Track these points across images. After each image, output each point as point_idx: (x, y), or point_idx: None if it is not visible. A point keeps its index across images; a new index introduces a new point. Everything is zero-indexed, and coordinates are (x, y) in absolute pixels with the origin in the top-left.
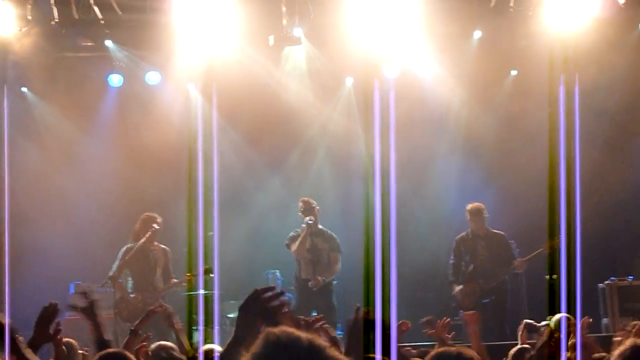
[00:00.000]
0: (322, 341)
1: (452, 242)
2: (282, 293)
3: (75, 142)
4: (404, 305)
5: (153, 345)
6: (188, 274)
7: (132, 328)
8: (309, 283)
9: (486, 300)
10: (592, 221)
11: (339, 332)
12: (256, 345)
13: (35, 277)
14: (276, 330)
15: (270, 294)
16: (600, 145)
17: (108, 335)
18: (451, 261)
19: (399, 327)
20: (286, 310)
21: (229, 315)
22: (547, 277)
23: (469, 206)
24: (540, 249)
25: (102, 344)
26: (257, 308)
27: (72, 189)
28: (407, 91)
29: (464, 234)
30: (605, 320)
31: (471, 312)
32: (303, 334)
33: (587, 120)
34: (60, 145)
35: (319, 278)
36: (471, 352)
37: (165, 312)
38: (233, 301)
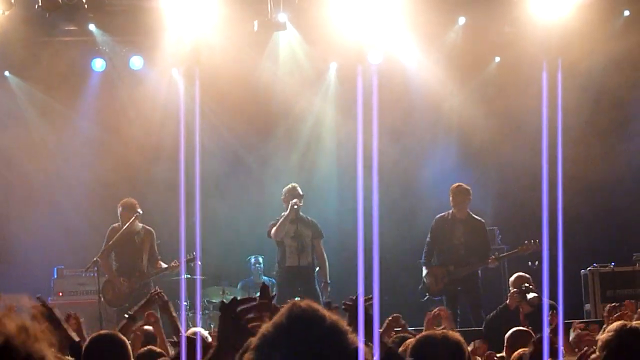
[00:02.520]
0: (344, 325)
1: (432, 220)
2: (256, 302)
3: (59, 126)
4: (385, 291)
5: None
6: (175, 261)
7: (131, 313)
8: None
9: (459, 289)
10: (575, 207)
11: None
12: (280, 315)
13: (18, 261)
14: (303, 303)
15: (244, 306)
16: (584, 132)
17: (76, 337)
18: (427, 239)
19: (392, 322)
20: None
21: (212, 300)
22: (530, 263)
23: (453, 186)
24: (516, 250)
25: (74, 346)
26: (234, 323)
27: (55, 172)
28: (390, 77)
29: (444, 213)
30: (587, 307)
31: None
32: (327, 314)
33: (571, 106)
34: (44, 129)
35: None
36: (457, 335)
37: (163, 299)
38: (216, 286)
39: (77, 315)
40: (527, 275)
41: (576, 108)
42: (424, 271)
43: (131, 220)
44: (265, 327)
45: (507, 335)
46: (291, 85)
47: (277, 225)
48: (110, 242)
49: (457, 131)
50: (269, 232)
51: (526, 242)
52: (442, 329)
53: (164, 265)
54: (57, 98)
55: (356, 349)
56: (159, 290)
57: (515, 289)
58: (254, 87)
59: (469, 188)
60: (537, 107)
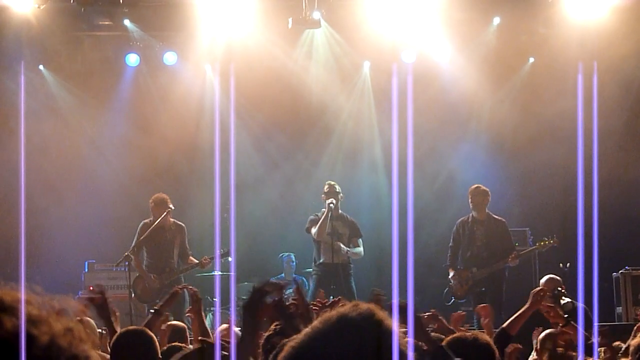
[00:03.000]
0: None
1: (454, 224)
2: (281, 285)
3: (92, 121)
4: (416, 291)
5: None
6: (206, 257)
7: (157, 308)
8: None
9: (483, 290)
10: (609, 210)
11: None
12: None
13: (50, 255)
14: (362, 307)
15: (269, 288)
16: (620, 134)
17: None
18: (450, 244)
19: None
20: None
21: (243, 297)
22: (561, 265)
23: (471, 187)
24: (535, 246)
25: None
26: (260, 305)
27: (88, 168)
28: (424, 77)
29: (465, 217)
30: (619, 310)
31: (484, 305)
32: (384, 318)
33: (607, 109)
34: (77, 124)
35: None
36: (486, 337)
37: (196, 294)
38: (247, 283)
39: (115, 310)
40: (559, 278)
41: (612, 111)
42: (450, 274)
43: (163, 216)
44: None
45: (540, 337)
46: (324, 83)
47: (318, 225)
48: (142, 238)
49: (490, 132)
50: (309, 228)
51: (545, 238)
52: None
53: (195, 261)
54: (91, 92)
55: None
56: (194, 289)
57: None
58: (287, 85)
59: (487, 189)
60: (571, 109)
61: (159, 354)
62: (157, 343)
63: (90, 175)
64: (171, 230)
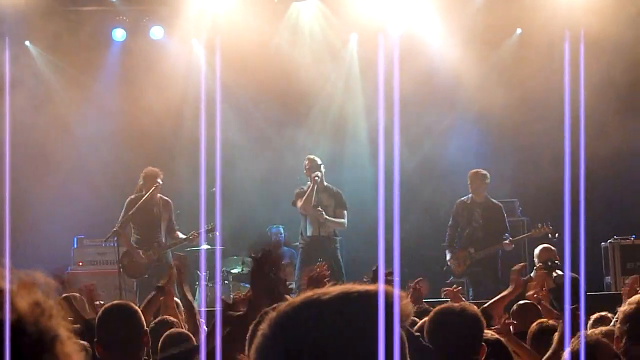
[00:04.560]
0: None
1: (453, 205)
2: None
3: (79, 96)
4: (406, 264)
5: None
6: (194, 233)
7: (160, 285)
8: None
9: (480, 269)
10: (597, 180)
11: None
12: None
13: (38, 232)
14: (322, 290)
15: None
16: (608, 102)
17: (88, 314)
18: (449, 223)
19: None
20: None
21: (232, 271)
22: (550, 235)
23: (471, 172)
24: (530, 233)
25: (87, 324)
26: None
27: (75, 143)
28: (411, 49)
29: (464, 198)
30: (607, 279)
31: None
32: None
33: (594, 77)
34: (64, 99)
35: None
36: (474, 308)
37: (184, 264)
38: (236, 257)
39: (90, 287)
40: (553, 248)
41: (601, 80)
42: (448, 254)
43: (150, 191)
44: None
45: (513, 308)
46: (311, 56)
47: (304, 198)
48: (130, 214)
49: (478, 103)
50: (295, 202)
51: (539, 225)
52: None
53: (182, 236)
54: (78, 67)
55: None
56: (182, 260)
57: (541, 264)
58: (274, 58)
59: (486, 173)
60: (559, 80)
61: (145, 328)
62: (142, 317)
63: (78, 151)
64: (158, 205)
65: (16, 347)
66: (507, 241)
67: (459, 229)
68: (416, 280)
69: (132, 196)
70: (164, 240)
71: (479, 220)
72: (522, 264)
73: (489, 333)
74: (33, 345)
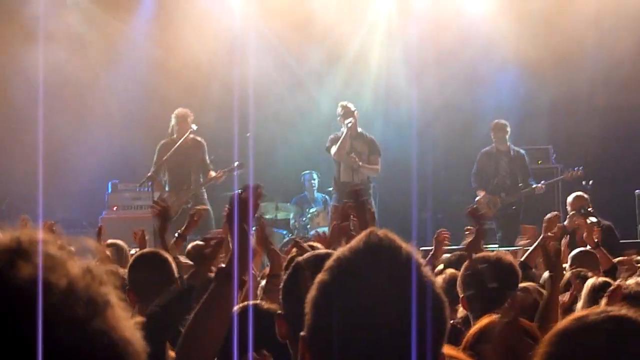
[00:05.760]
0: (419, 256)
1: (477, 154)
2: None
3: (114, 43)
4: (439, 209)
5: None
6: (220, 171)
7: (180, 232)
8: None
9: (507, 212)
10: (631, 127)
11: None
12: (357, 240)
13: (73, 176)
14: (381, 232)
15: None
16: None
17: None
18: (473, 171)
19: (438, 237)
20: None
21: (265, 216)
22: (584, 182)
23: (493, 123)
24: (562, 176)
25: None
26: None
27: (111, 88)
28: None
29: (488, 148)
30: None
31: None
32: (404, 244)
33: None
34: (99, 46)
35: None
36: (509, 257)
37: (197, 215)
38: (269, 202)
39: (142, 233)
40: (586, 196)
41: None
42: (479, 195)
43: (185, 136)
44: (342, 250)
45: (571, 255)
46: (347, 1)
47: (338, 144)
48: (164, 158)
49: (513, 49)
50: (329, 147)
51: (571, 169)
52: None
53: (213, 175)
54: (113, 14)
55: (428, 282)
56: (200, 210)
57: (574, 212)
58: (311, 2)
59: (506, 123)
60: (596, 28)
61: (175, 275)
62: (173, 264)
63: (112, 96)
64: (191, 147)
65: (67, 311)
66: (540, 184)
67: (483, 177)
68: (438, 232)
69: (164, 140)
70: (200, 181)
71: (505, 168)
72: (555, 212)
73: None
74: (84, 310)
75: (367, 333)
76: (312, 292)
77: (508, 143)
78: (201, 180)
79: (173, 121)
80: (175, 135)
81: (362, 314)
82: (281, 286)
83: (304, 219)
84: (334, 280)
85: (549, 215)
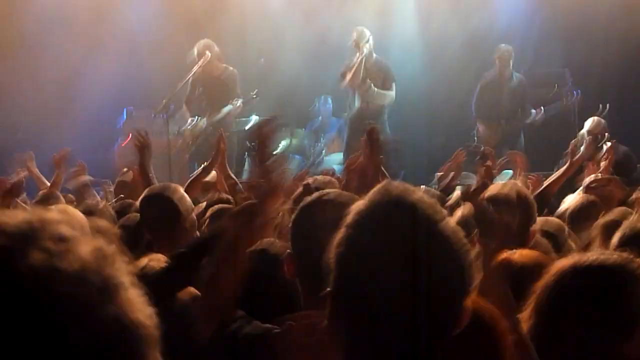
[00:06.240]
0: (438, 208)
1: (477, 85)
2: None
3: None
4: (438, 134)
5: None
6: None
7: (206, 165)
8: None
9: (510, 138)
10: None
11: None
12: (374, 193)
13: (88, 103)
14: (397, 185)
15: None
16: None
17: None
18: (474, 99)
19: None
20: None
21: (280, 143)
22: (600, 107)
23: (497, 48)
24: (559, 102)
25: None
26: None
27: (125, 12)
28: None
29: (490, 75)
30: None
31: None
32: (422, 196)
33: None
34: None
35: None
36: (525, 190)
37: (220, 145)
38: (283, 128)
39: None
40: (604, 124)
41: None
42: (479, 124)
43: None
44: (359, 204)
45: (588, 184)
46: None
47: (352, 71)
48: (194, 88)
49: None
50: (344, 73)
51: (569, 96)
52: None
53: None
54: None
55: (445, 233)
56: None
57: (590, 137)
58: None
59: (510, 48)
60: None
61: (184, 211)
62: (183, 199)
63: (128, 19)
64: (221, 75)
65: (79, 299)
66: (538, 114)
67: (485, 101)
68: (455, 154)
69: (196, 69)
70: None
71: (507, 97)
72: (575, 139)
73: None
74: (96, 295)
75: (392, 284)
76: (336, 248)
77: (511, 69)
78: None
79: (195, 53)
80: (205, 66)
81: (386, 267)
82: (290, 225)
83: (319, 144)
84: (358, 235)
85: (571, 144)
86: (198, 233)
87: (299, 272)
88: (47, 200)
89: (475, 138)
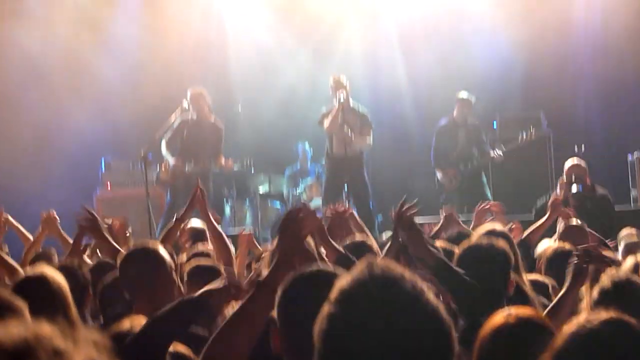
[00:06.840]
0: (424, 285)
1: (433, 135)
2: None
3: (103, 16)
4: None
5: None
6: (229, 160)
7: (179, 217)
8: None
9: (471, 184)
10: (622, 92)
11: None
12: (358, 271)
13: (65, 153)
14: (381, 263)
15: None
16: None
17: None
18: (433, 147)
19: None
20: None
21: (260, 193)
22: (576, 148)
23: (460, 95)
24: (519, 141)
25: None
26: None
27: (101, 63)
28: None
29: (444, 123)
30: (634, 192)
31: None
32: (407, 273)
33: None
34: (87, 19)
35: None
36: (502, 243)
37: (200, 191)
38: (262, 175)
39: (123, 221)
40: (584, 167)
41: None
42: (438, 174)
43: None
44: (343, 281)
45: (560, 230)
46: None
47: (330, 119)
48: (181, 135)
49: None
50: (321, 121)
51: (524, 133)
52: (492, 219)
53: (221, 164)
54: None
55: (433, 309)
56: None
57: (566, 181)
58: None
59: (471, 100)
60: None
61: (168, 267)
62: (165, 256)
63: (104, 71)
64: (210, 129)
65: None
66: (497, 154)
67: (443, 153)
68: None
69: (181, 118)
70: (207, 164)
71: (463, 141)
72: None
73: None
74: None
75: None
76: (320, 324)
77: (466, 116)
78: (212, 162)
79: (188, 99)
80: (195, 114)
81: (371, 344)
82: (278, 300)
83: (298, 190)
84: (342, 312)
85: (555, 198)
86: (180, 285)
87: (285, 346)
88: (40, 259)
89: (437, 185)
